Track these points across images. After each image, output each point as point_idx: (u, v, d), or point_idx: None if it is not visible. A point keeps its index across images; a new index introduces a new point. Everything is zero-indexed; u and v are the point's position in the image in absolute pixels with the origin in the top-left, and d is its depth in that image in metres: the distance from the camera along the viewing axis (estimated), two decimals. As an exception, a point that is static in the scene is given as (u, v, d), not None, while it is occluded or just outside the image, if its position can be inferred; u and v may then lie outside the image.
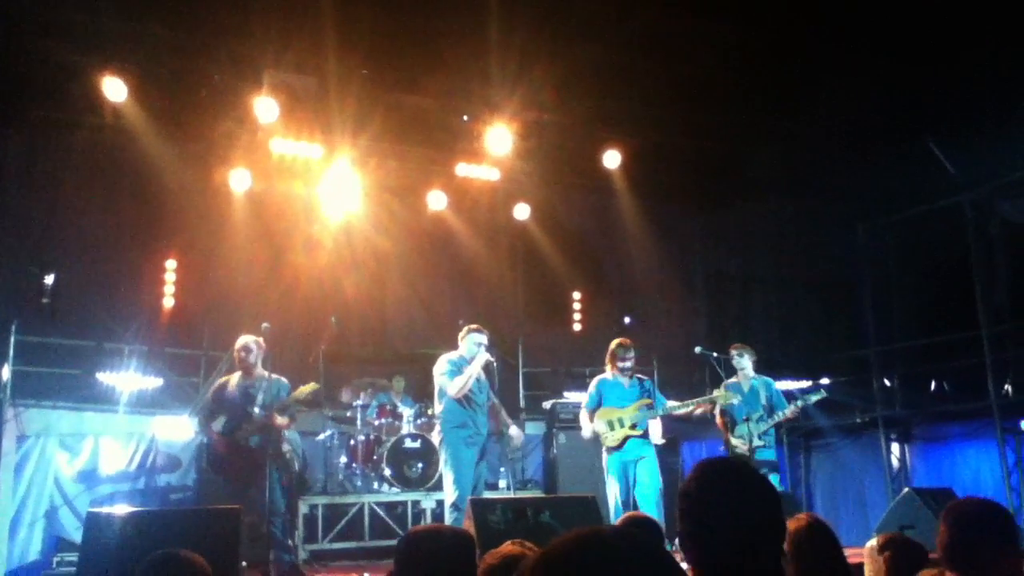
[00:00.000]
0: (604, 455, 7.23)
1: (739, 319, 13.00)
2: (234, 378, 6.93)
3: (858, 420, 11.28)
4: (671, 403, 7.50)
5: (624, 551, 1.23)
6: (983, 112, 9.46)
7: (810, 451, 11.73)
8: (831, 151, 10.70)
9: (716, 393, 7.49)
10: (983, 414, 10.14)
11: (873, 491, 10.89)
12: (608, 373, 7.41)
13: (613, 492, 7.06)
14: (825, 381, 10.83)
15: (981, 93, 9.36)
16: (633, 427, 7.10)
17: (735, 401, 7.54)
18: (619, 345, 7.39)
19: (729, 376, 7.94)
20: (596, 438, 7.27)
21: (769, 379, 7.90)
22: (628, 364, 7.30)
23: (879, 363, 11.41)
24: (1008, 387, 10.08)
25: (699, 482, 1.94)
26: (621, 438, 7.09)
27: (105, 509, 5.52)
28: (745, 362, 7.81)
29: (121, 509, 5.64)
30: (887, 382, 11.48)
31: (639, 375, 7.43)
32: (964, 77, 9.24)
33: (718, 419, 7.85)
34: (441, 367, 6.90)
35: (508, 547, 3.02)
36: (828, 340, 12.01)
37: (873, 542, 3.73)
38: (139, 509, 6.76)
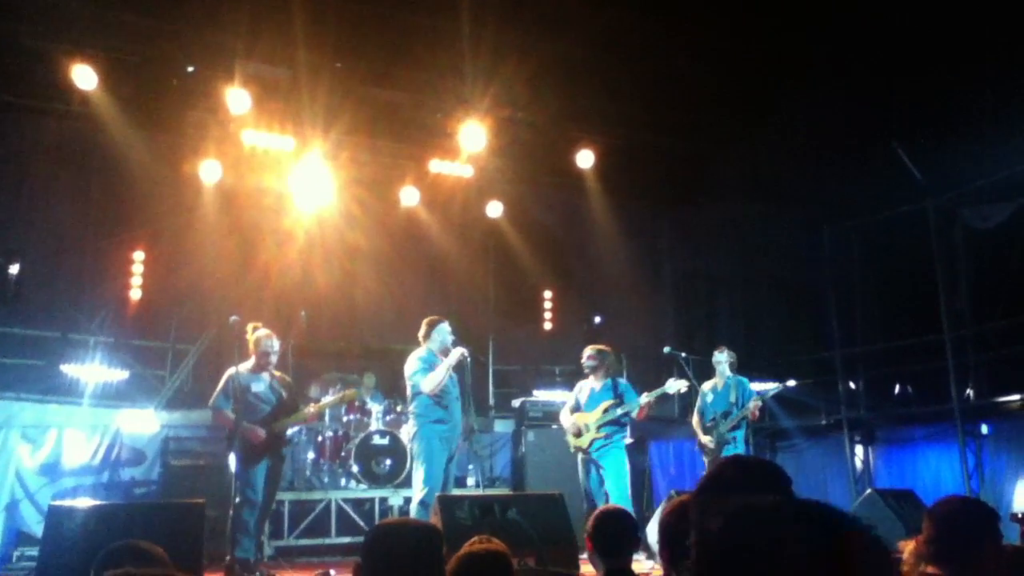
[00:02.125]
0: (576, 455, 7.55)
1: (706, 319, 13.11)
2: (245, 370, 6.69)
3: (823, 422, 11.42)
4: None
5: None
6: (948, 120, 9.60)
7: (775, 452, 11.83)
8: (799, 154, 10.82)
9: (666, 386, 7.59)
10: (945, 417, 10.30)
11: (836, 492, 11.01)
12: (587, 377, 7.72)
13: (583, 484, 7.46)
14: (791, 383, 10.93)
15: (947, 101, 9.50)
16: (598, 429, 7.34)
17: (682, 389, 7.76)
18: (585, 351, 7.73)
19: (698, 375, 8.05)
20: None
21: (744, 378, 8.05)
22: (587, 366, 7.63)
23: (844, 366, 11.55)
24: (969, 391, 10.25)
25: (715, 478, 1.91)
26: (587, 442, 7.40)
27: (67, 502, 5.46)
28: (723, 360, 7.95)
29: (84, 502, 5.56)
30: (852, 385, 11.63)
31: (614, 377, 7.59)
32: (931, 85, 9.38)
33: (694, 418, 8.01)
34: (412, 366, 6.90)
35: (477, 544, 3.02)
36: (793, 342, 12.13)
37: None
38: (102, 503, 6.66)
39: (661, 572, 5.00)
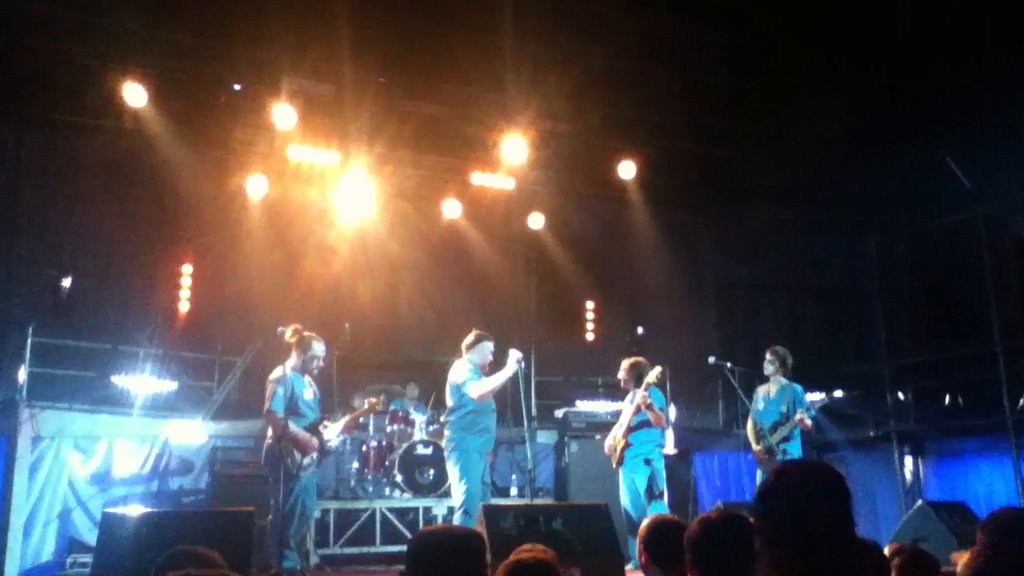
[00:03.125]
0: None
1: (748, 329, 12.98)
2: (289, 374, 6.63)
3: (871, 434, 11.25)
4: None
5: None
6: (998, 126, 9.45)
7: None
8: (842, 161, 10.71)
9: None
10: (997, 429, 10.10)
11: (885, 505, 10.84)
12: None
13: (624, 500, 7.40)
14: (838, 394, 10.76)
15: (996, 106, 9.35)
16: (625, 437, 7.43)
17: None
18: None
19: (742, 385, 7.95)
20: None
21: (797, 386, 7.86)
22: (621, 378, 7.71)
23: (892, 376, 11.38)
24: (1022, 401, 10.05)
25: (780, 484, 1.95)
26: (619, 453, 7.47)
27: (120, 509, 5.56)
28: (770, 367, 7.83)
29: (136, 509, 5.67)
30: (900, 395, 11.45)
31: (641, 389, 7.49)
32: (979, 89, 9.24)
33: (749, 427, 7.85)
34: (462, 373, 6.94)
35: (525, 552, 3.04)
36: (837, 351, 11.97)
37: (885, 550, 3.74)
38: (153, 510, 6.78)
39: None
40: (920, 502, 7.48)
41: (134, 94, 8.92)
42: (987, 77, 9.01)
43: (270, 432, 6.51)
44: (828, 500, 1.93)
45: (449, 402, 7.04)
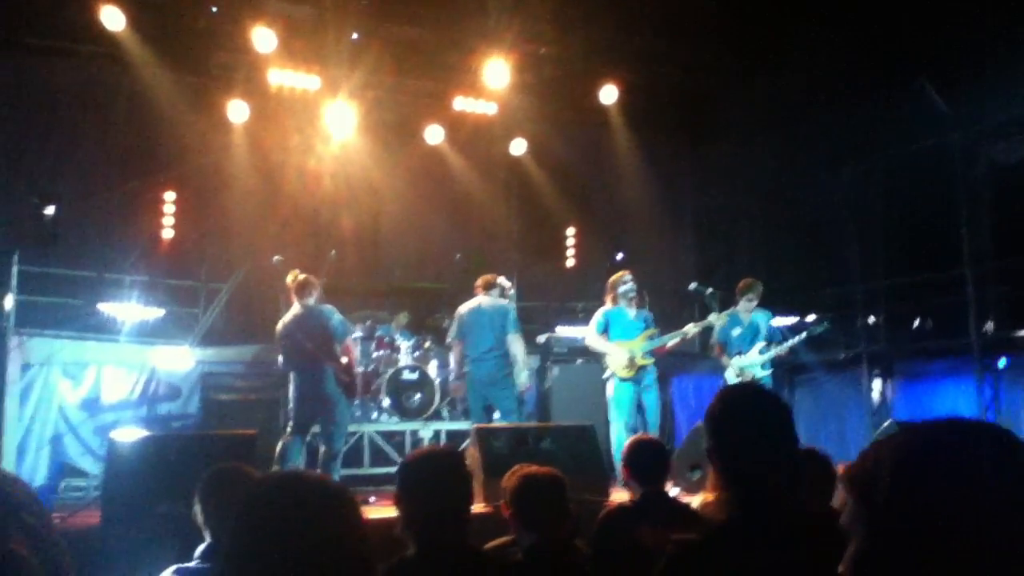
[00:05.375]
0: (612, 383, 7.56)
1: (726, 255, 13.16)
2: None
3: (842, 356, 11.56)
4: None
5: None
6: (973, 52, 9.52)
7: (794, 386, 12.00)
8: (820, 90, 10.75)
9: (711, 319, 7.72)
10: (963, 351, 10.42)
11: (854, 424, 11.21)
12: (609, 305, 7.67)
13: (621, 418, 7.40)
14: (811, 317, 11.03)
15: (972, 32, 9.40)
16: (644, 357, 7.50)
17: (721, 323, 7.81)
18: (619, 276, 7.77)
19: (724, 309, 8.12)
20: (598, 366, 7.80)
21: (769, 312, 8.12)
22: (631, 292, 7.67)
23: (864, 300, 11.66)
24: (988, 325, 10.37)
25: (723, 403, 2.14)
26: (636, 369, 7.46)
27: (125, 433, 5.67)
28: (751, 295, 8.01)
29: (139, 433, 5.81)
30: (871, 319, 11.74)
31: (641, 307, 7.72)
32: (955, 16, 9.28)
33: (716, 350, 8.07)
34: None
35: (528, 468, 3.24)
36: (814, 277, 12.20)
37: (840, 468, 4.00)
38: (156, 433, 6.94)
39: (687, 498, 5.23)
40: (889, 420, 7.80)
41: (111, 18, 8.77)
42: (965, 4, 9.05)
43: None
44: (761, 415, 2.11)
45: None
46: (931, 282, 11.00)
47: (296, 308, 7.05)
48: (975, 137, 10.50)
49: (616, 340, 7.62)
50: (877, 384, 11.53)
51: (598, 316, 7.76)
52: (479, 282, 7.88)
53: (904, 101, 10.37)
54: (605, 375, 7.65)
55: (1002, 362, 10.46)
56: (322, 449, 6.95)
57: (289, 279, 7.02)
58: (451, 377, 8.03)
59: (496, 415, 7.44)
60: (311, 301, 7.03)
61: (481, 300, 7.78)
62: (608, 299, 7.79)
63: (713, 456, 2.11)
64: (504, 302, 7.85)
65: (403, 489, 2.68)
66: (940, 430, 1.29)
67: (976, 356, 10.29)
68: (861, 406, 11.44)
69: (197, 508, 3.01)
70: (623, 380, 7.50)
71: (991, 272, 10.38)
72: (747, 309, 8.01)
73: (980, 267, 10.40)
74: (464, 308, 7.83)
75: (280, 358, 7.17)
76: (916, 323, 11.55)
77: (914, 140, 10.76)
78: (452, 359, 7.95)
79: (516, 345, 7.56)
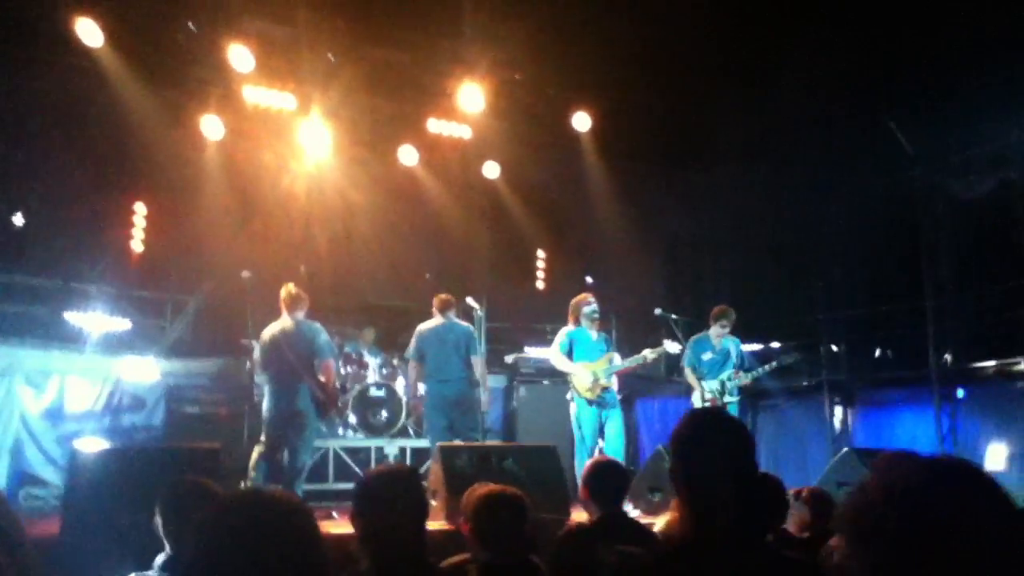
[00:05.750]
0: (575, 404, 7.67)
1: (694, 282, 13.34)
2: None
3: (804, 383, 11.75)
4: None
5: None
6: (938, 92, 9.78)
7: (757, 411, 12.18)
8: (790, 121, 10.95)
9: (666, 346, 7.86)
10: (922, 381, 10.65)
11: (815, 451, 11.38)
12: (572, 325, 7.83)
13: (585, 438, 7.52)
14: (775, 344, 11.23)
15: (936, 75, 9.66)
16: (607, 379, 7.64)
17: (672, 351, 7.96)
18: (583, 298, 7.95)
19: (688, 337, 8.27)
20: (564, 386, 7.93)
21: (737, 339, 8.27)
22: (594, 314, 7.82)
23: (827, 329, 11.88)
24: (947, 356, 10.60)
25: (688, 426, 2.22)
26: (600, 390, 7.58)
27: (87, 444, 5.68)
28: (724, 321, 8.15)
29: (102, 444, 5.81)
30: (834, 348, 11.96)
31: (602, 330, 7.86)
32: (921, 56, 9.53)
33: (688, 374, 8.18)
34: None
35: (490, 487, 3.31)
36: (778, 306, 12.39)
37: (791, 492, 4.19)
38: (120, 445, 6.93)
39: (647, 520, 5.31)
40: (845, 449, 7.95)
41: (88, 31, 8.78)
42: (927, 41, 9.28)
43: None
44: (723, 440, 2.19)
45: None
46: (892, 313, 11.25)
47: (286, 321, 7.12)
48: (937, 173, 10.77)
49: (579, 361, 7.73)
50: (838, 411, 11.74)
51: (561, 336, 7.87)
52: (437, 303, 7.98)
53: (871, 137, 10.62)
54: (569, 395, 7.74)
55: (960, 392, 10.69)
56: (286, 463, 6.96)
57: (283, 292, 7.10)
58: (408, 395, 8.11)
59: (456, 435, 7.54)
60: (301, 316, 7.11)
61: (442, 320, 7.88)
62: (571, 320, 7.91)
63: (675, 476, 2.19)
64: (466, 324, 7.97)
65: (359, 505, 2.75)
66: (929, 470, 1.37)
67: (935, 386, 10.51)
68: (822, 432, 11.64)
69: (158, 519, 3.06)
70: (586, 401, 7.60)
71: (951, 305, 10.63)
72: (719, 335, 8.16)
73: (940, 299, 10.64)
74: (425, 328, 7.93)
75: (256, 367, 7.19)
76: (877, 353, 11.79)
77: (879, 175, 11.03)
78: (410, 377, 8.08)
79: (480, 367, 7.76)
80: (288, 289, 7.23)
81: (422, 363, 7.81)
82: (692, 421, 2.30)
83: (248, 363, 7.61)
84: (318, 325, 7.27)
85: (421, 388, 7.94)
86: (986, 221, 10.49)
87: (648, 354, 7.73)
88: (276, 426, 6.89)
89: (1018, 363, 9.81)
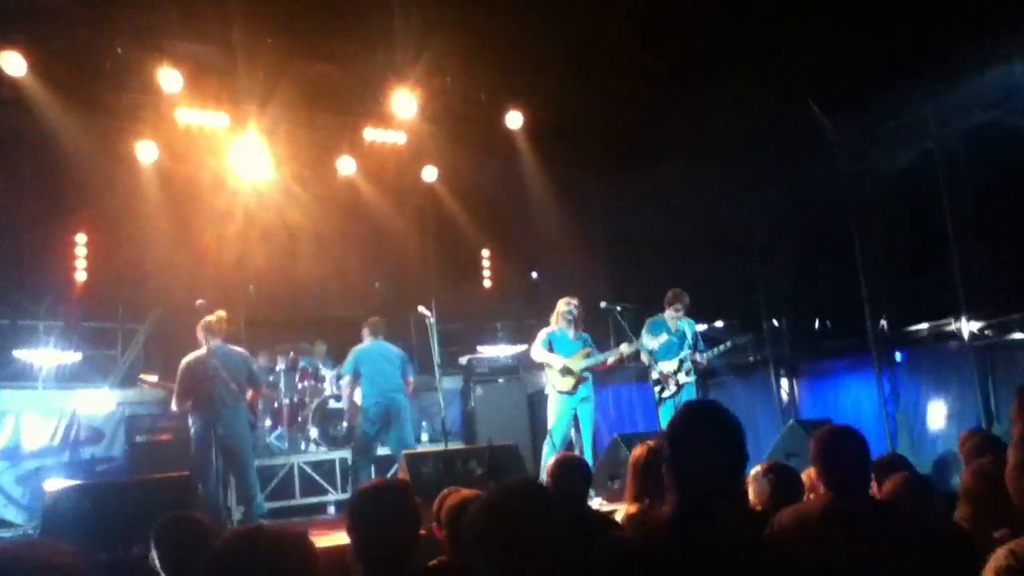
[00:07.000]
0: (553, 396, 8.04)
1: (637, 275, 13.57)
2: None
3: (750, 359, 12.11)
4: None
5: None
6: (855, 72, 10.10)
7: (707, 389, 12.48)
8: (723, 115, 11.21)
9: (626, 347, 8.13)
10: (862, 349, 11.05)
11: (765, 424, 11.75)
12: (552, 326, 8.21)
13: (558, 431, 7.87)
14: (719, 323, 11.54)
15: (853, 53, 9.98)
16: (582, 372, 8.00)
17: (653, 346, 8.22)
18: (564, 301, 8.32)
19: (633, 328, 8.50)
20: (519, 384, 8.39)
21: (692, 320, 8.57)
22: (570, 315, 8.19)
23: (767, 306, 12.25)
24: (883, 322, 11.02)
25: (685, 417, 2.40)
26: (573, 383, 7.92)
27: (60, 483, 5.69)
28: (679, 304, 8.44)
29: (73, 482, 5.83)
30: (775, 323, 12.34)
31: (581, 332, 8.17)
32: (839, 38, 9.83)
33: (644, 357, 8.44)
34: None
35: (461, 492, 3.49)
36: (721, 289, 12.68)
37: (757, 468, 4.40)
38: (94, 481, 6.94)
39: (609, 507, 5.52)
40: (791, 421, 8.28)
41: (12, 63, 8.66)
42: (846, 23, 9.57)
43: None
44: (718, 432, 2.35)
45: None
46: (827, 285, 11.64)
47: (219, 348, 7.17)
48: (861, 148, 11.15)
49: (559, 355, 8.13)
50: (784, 384, 12.13)
51: (542, 336, 8.23)
52: (368, 328, 8.47)
53: (799, 122, 10.93)
54: (547, 389, 8.11)
55: (898, 356, 11.12)
56: (241, 489, 7.33)
57: (213, 318, 7.13)
58: (346, 409, 8.56)
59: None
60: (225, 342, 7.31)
61: (376, 340, 8.38)
62: (552, 320, 8.26)
63: (669, 465, 2.34)
64: (396, 348, 8.50)
65: (354, 519, 2.90)
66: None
67: (873, 353, 10.92)
68: (770, 406, 12.01)
69: (154, 554, 3.17)
70: (562, 393, 7.97)
71: (882, 272, 11.03)
72: (673, 318, 8.43)
73: (872, 268, 11.03)
74: (362, 348, 8.36)
75: (183, 400, 7.22)
76: (816, 325, 12.19)
77: (810, 156, 11.37)
78: (345, 392, 8.48)
79: (412, 383, 8.41)
80: (219, 315, 7.33)
81: (357, 381, 8.29)
82: (688, 412, 2.46)
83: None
84: (245, 352, 7.61)
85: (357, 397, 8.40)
86: (911, 189, 10.87)
87: (625, 348, 8.02)
88: (207, 453, 6.97)
89: (948, 323, 10.23)
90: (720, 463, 2.30)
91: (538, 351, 8.16)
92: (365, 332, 8.47)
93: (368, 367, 8.16)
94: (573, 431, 8.03)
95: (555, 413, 7.96)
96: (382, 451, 8.51)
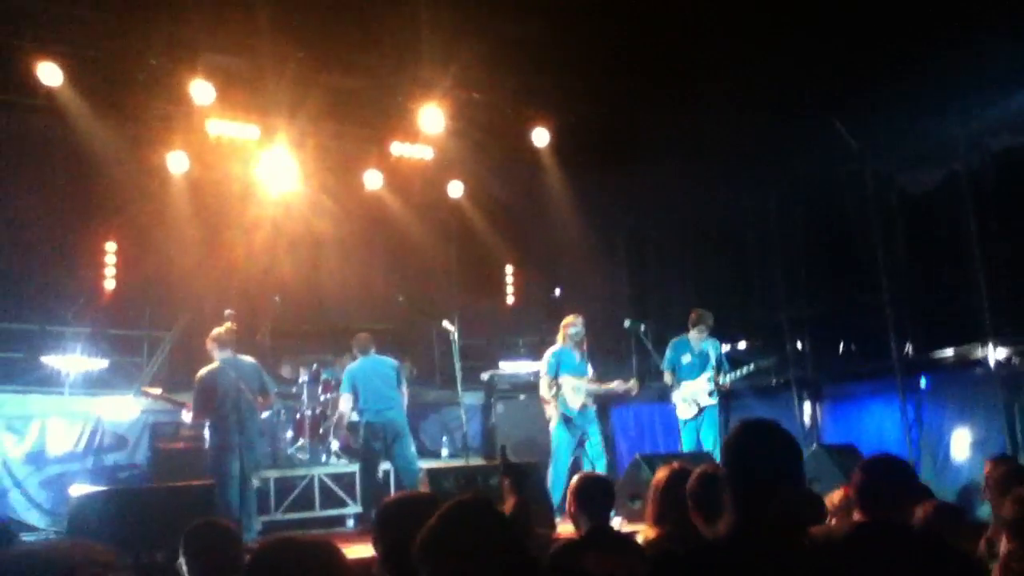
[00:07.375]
0: (556, 418, 7.99)
1: (658, 285, 13.55)
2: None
3: (772, 382, 12.02)
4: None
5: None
6: (882, 90, 10.05)
7: (728, 411, 12.41)
8: (743, 119, 11.17)
9: (621, 384, 8.16)
10: (886, 373, 10.93)
11: (787, 448, 11.61)
12: (559, 345, 8.17)
13: (563, 454, 7.86)
14: (742, 345, 11.47)
15: (880, 71, 9.94)
16: (586, 397, 8.01)
17: (670, 350, 8.26)
18: (571, 319, 8.30)
19: (656, 344, 8.51)
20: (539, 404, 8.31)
21: (716, 341, 8.55)
22: (578, 336, 8.21)
23: (790, 327, 12.15)
24: (908, 347, 10.90)
25: (742, 435, 2.40)
26: (580, 404, 7.94)
27: (86, 489, 5.74)
28: (702, 326, 8.42)
29: (98, 488, 5.88)
30: (799, 344, 12.24)
31: (584, 351, 8.17)
32: (869, 51, 9.78)
33: (667, 376, 8.44)
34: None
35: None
36: (742, 306, 12.63)
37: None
38: (117, 487, 7.00)
39: (630, 527, 5.50)
40: (815, 445, 8.21)
41: (48, 73, 8.81)
42: (874, 35, 9.52)
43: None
44: (772, 454, 2.38)
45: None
46: (853, 307, 11.53)
47: (231, 358, 7.29)
48: (886, 168, 11.07)
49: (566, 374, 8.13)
50: (807, 408, 12.02)
51: (548, 357, 8.23)
52: (357, 346, 8.58)
53: (821, 133, 10.88)
54: (548, 414, 8.08)
55: (923, 382, 10.99)
56: (245, 492, 7.29)
57: (222, 329, 7.27)
58: (343, 424, 8.84)
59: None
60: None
61: (366, 357, 8.45)
62: (559, 339, 8.18)
63: (729, 483, 2.34)
64: (389, 359, 8.57)
65: (379, 530, 2.92)
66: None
67: (898, 377, 10.81)
68: (792, 430, 11.69)
69: (182, 560, 3.20)
70: (567, 414, 7.93)
71: (908, 296, 10.92)
72: (697, 338, 8.43)
73: (897, 291, 10.93)
74: (353, 367, 8.43)
75: (198, 409, 7.37)
76: (841, 347, 12.08)
77: (830, 169, 11.30)
78: (340, 408, 8.59)
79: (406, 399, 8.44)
80: (228, 326, 7.43)
81: (352, 398, 8.33)
82: (745, 431, 2.47)
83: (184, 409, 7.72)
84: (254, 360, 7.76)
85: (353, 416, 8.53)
86: (937, 211, 10.78)
87: (618, 386, 8.06)
88: (226, 464, 7.08)
89: (975, 349, 10.12)
90: (781, 477, 2.30)
91: (546, 384, 8.18)
92: (354, 350, 8.58)
93: (361, 385, 8.28)
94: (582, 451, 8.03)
95: (559, 440, 7.97)
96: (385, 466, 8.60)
